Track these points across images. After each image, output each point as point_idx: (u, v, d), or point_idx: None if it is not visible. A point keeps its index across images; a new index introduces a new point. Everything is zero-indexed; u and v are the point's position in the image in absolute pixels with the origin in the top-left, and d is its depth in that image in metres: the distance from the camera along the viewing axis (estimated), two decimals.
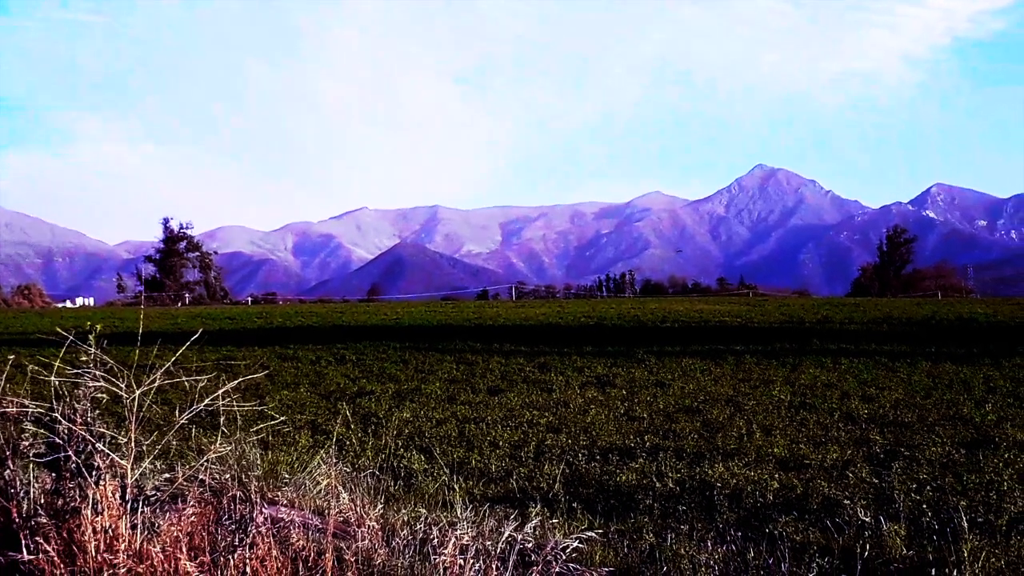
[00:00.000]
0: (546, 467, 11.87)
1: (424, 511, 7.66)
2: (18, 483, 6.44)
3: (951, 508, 9.13)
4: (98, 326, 6.69)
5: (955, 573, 6.96)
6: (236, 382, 7.01)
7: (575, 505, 10.00)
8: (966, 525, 8.05)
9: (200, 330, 6.96)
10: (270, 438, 12.01)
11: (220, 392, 6.66)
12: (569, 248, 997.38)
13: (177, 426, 6.69)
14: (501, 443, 13.65)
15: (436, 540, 5.83)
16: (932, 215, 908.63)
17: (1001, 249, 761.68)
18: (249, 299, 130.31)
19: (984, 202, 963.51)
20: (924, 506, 9.57)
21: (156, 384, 6.62)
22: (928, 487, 10.44)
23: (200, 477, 6.63)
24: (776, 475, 11.17)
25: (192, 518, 5.85)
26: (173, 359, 6.81)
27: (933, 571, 7.17)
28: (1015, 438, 13.16)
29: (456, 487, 9.57)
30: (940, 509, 9.43)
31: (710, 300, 67.32)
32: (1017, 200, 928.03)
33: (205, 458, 6.72)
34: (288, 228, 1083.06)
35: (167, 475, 6.97)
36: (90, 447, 6.24)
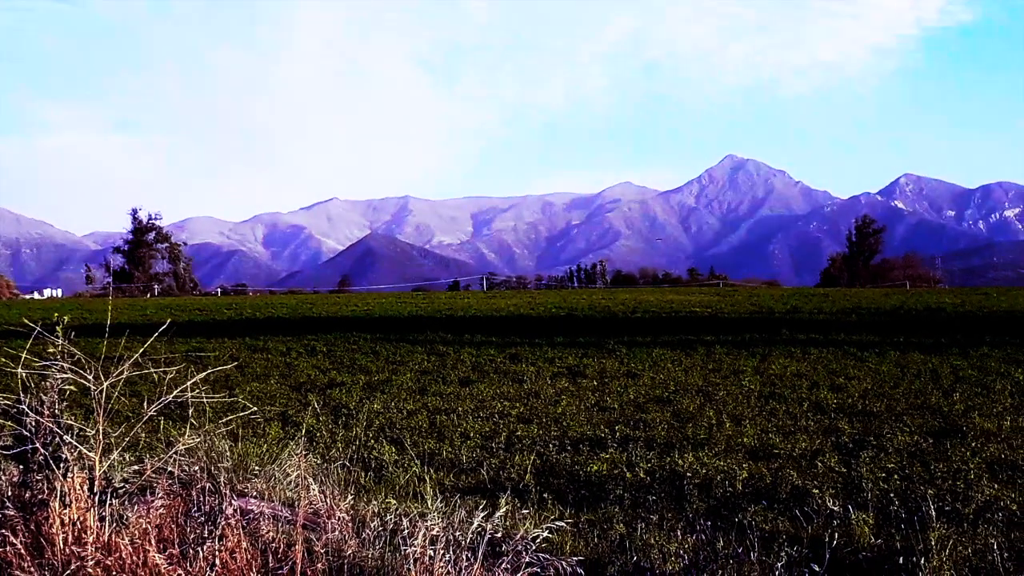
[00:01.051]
0: (517, 458, 11.89)
1: (394, 502, 7.66)
2: None
3: (919, 497, 9.21)
4: (66, 317, 6.64)
5: (922, 561, 7.02)
6: (205, 373, 6.98)
7: (546, 495, 10.02)
8: (933, 514, 8.13)
9: (168, 321, 6.92)
10: (240, 430, 11.95)
11: (189, 384, 6.63)
12: (540, 239, 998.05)
13: (146, 418, 6.66)
14: (472, 434, 13.66)
15: (406, 531, 5.82)
16: (901, 205, 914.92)
17: (969, 239, 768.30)
18: (219, 290, 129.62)
19: (952, 192, 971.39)
20: (892, 495, 9.65)
21: (124, 376, 6.58)
22: (896, 476, 10.53)
23: (169, 469, 6.60)
24: (745, 465, 11.23)
25: (161, 510, 5.82)
26: (141, 350, 6.77)
27: (901, 559, 7.22)
28: (982, 427, 13.27)
29: (427, 478, 9.56)
30: (908, 498, 9.51)
31: (680, 290, 67.47)
32: (985, 190, 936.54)
33: (174, 450, 6.70)
34: (258, 219, 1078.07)
35: (136, 467, 6.93)
36: (58, 439, 6.20)
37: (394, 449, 12.45)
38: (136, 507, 6.09)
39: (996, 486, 9.96)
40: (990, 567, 7.29)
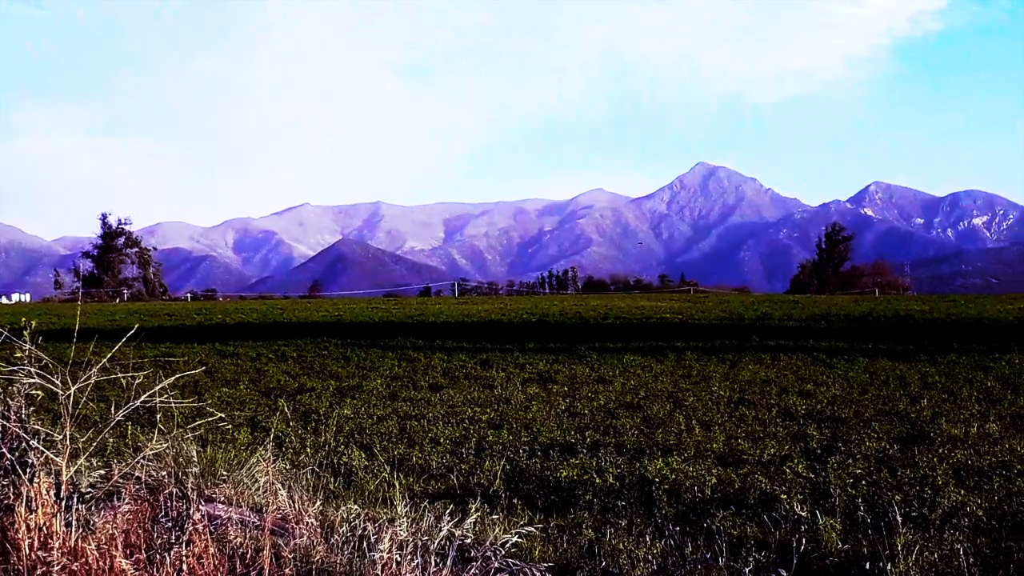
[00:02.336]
0: (487, 463, 11.90)
1: (361, 508, 7.65)
2: None
3: (886, 502, 9.28)
4: (33, 322, 6.60)
5: (889, 567, 7.07)
6: (173, 378, 6.96)
7: (515, 501, 10.03)
8: (900, 519, 8.19)
9: (136, 326, 6.90)
10: (209, 435, 11.91)
11: (157, 388, 6.60)
12: (512, 245, 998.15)
13: (113, 423, 6.62)
14: (442, 440, 13.66)
15: (374, 537, 5.82)
16: (870, 213, 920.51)
17: (937, 247, 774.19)
18: (189, 296, 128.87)
19: (921, 200, 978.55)
20: (859, 500, 9.71)
21: (92, 381, 6.55)
22: (864, 482, 10.60)
23: (136, 474, 6.57)
24: (714, 470, 11.28)
25: (128, 515, 5.79)
26: (109, 355, 6.73)
27: (868, 564, 7.28)
28: (949, 433, 13.38)
29: (396, 484, 9.54)
30: (875, 503, 9.59)
31: (652, 297, 67.69)
32: (953, 198, 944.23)
33: (141, 455, 6.67)
34: (228, 224, 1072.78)
35: (103, 472, 6.89)
36: (24, 444, 6.17)
37: (363, 455, 12.43)
38: (103, 512, 6.06)
39: (963, 492, 10.04)
40: (956, 572, 7.35)
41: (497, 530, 6.78)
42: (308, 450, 12.58)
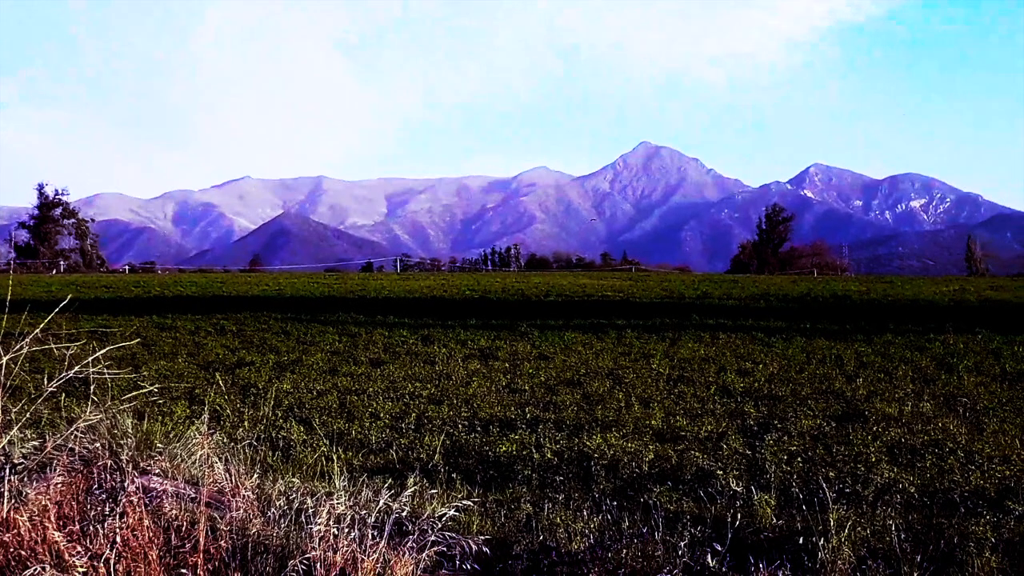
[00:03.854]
0: (427, 438, 11.91)
1: (301, 481, 7.62)
2: None
3: (820, 479, 9.40)
4: None
5: (821, 542, 7.16)
6: (106, 349, 6.87)
7: (454, 476, 10.05)
8: (833, 495, 8.31)
9: (69, 296, 6.79)
10: (146, 408, 11.79)
11: (90, 359, 6.51)
12: (455, 221, 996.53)
13: (46, 394, 6.53)
14: (382, 414, 13.64)
15: (312, 510, 5.80)
16: (810, 194, 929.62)
17: (875, 229, 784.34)
18: (126, 268, 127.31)
19: (860, 182, 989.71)
20: (794, 477, 9.84)
21: (24, 351, 6.45)
22: (798, 458, 10.74)
23: (70, 446, 6.49)
24: (652, 446, 11.37)
25: (61, 487, 5.72)
26: (42, 325, 6.63)
27: (801, 539, 7.37)
28: (884, 412, 13.58)
29: (335, 458, 9.51)
30: (809, 480, 9.72)
31: (593, 275, 67.88)
32: (892, 181, 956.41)
33: (74, 427, 6.58)
34: (168, 196, 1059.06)
35: (35, 444, 6.80)
36: None
37: (302, 429, 12.38)
38: (36, 484, 5.98)
39: (895, 469, 10.21)
40: (887, 547, 7.47)
41: (435, 504, 6.79)
42: (246, 424, 12.51)
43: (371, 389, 15.85)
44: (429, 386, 16.16)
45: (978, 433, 12.18)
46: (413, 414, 13.63)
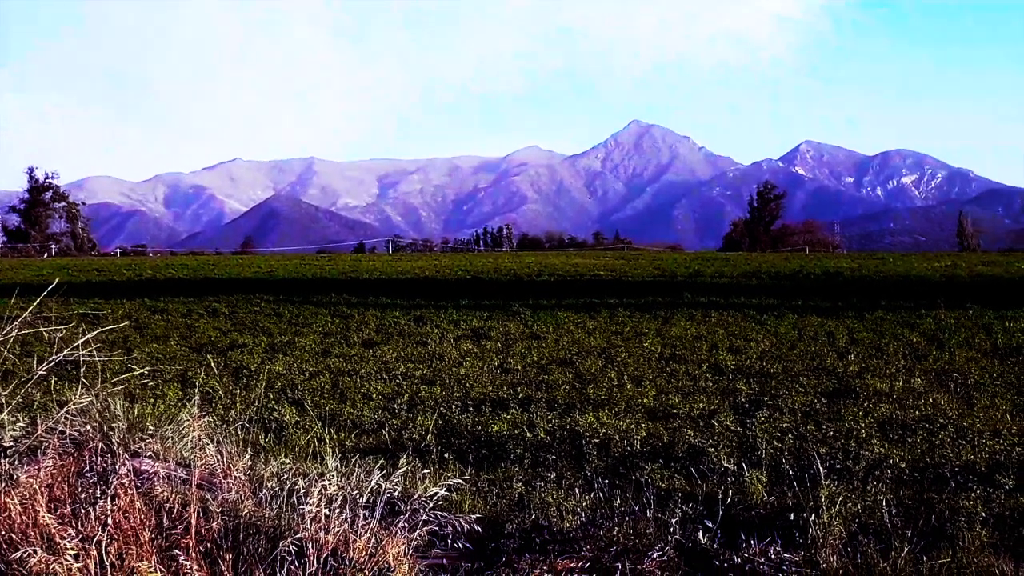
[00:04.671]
0: (419, 419, 11.93)
1: (293, 463, 7.63)
2: None
3: (811, 455, 9.43)
4: None
5: (812, 517, 7.19)
6: (97, 332, 6.85)
7: (447, 455, 10.08)
8: (824, 471, 8.34)
9: (57, 280, 6.77)
10: (138, 391, 11.78)
11: (80, 342, 6.50)
12: (447, 202, 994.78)
13: (36, 376, 6.52)
14: (375, 395, 13.66)
15: (304, 491, 5.81)
16: (801, 172, 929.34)
17: (866, 205, 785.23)
18: (118, 251, 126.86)
19: (851, 159, 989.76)
20: (785, 453, 9.88)
21: (14, 334, 6.43)
22: (790, 435, 10.78)
23: (61, 429, 6.48)
24: (644, 424, 11.41)
25: (52, 470, 5.72)
26: (31, 308, 6.61)
27: (792, 516, 7.40)
28: (875, 388, 13.62)
29: (327, 439, 9.53)
30: (800, 456, 9.76)
31: (586, 254, 67.82)
32: (883, 157, 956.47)
33: (65, 410, 6.58)
34: (159, 179, 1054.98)
35: (26, 426, 6.79)
36: None
37: (295, 410, 12.40)
38: (26, 467, 5.98)
39: (886, 445, 10.25)
40: (878, 523, 7.50)
41: (427, 483, 6.81)
42: (239, 406, 12.49)
43: (363, 370, 15.86)
44: (422, 367, 16.18)
45: (969, 408, 12.22)
46: (406, 395, 13.65)
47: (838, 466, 9.39)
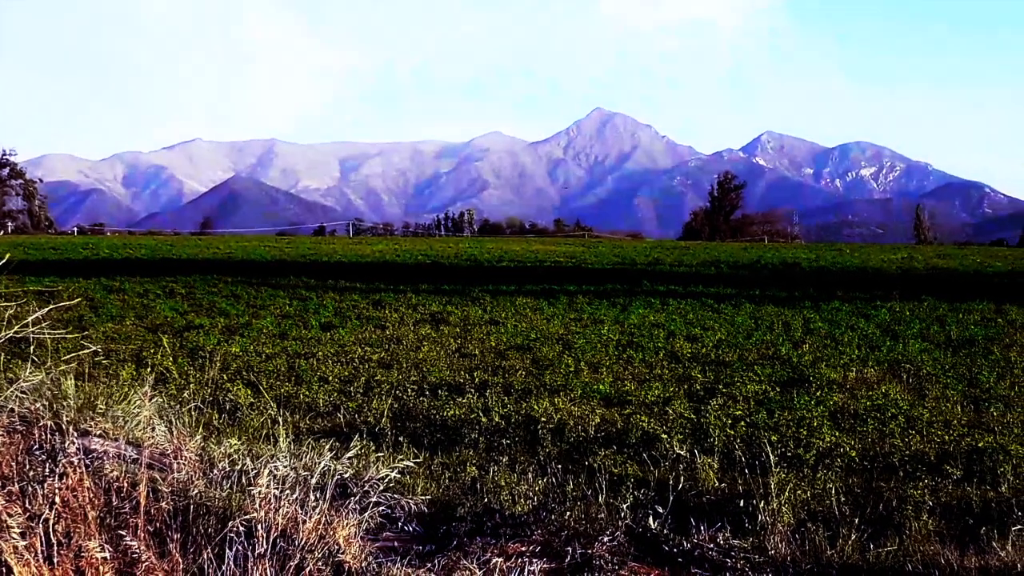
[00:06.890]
0: (375, 402, 11.91)
1: (246, 444, 7.59)
2: None
3: (762, 443, 9.51)
4: None
5: (762, 504, 7.25)
6: (48, 309, 6.79)
7: (401, 439, 10.08)
8: (775, 459, 8.41)
9: (7, 256, 6.70)
10: (91, 370, 11.67)
11: (31, 319, 6.44)
12: (408, 186, 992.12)
13: None
14: (331, 378, 13.63)
15: (255, 472, 5.78)
16: (762, 162, 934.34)
17: (825, 197, 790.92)
18: (75, 230, 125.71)
19: (811, 150, 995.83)
20: (738, 441, 9.96)
21: None
22: (742, 423, 10.87)
23: (10, 406, 6.42)
24: (599, 411, 11.46)
25: (0, 447, 5.67)
26: None
27: (741, 502, 7.46)
28: (828, 377, 13.77)
29: (281, 421, 9.49)
30: (752, 444, 9.84)
31: (546, 241, 67.99)
32: (842, 149, 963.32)
33: (14, 387, 6.51)
34: (118, 157, 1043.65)
35: None
36: None
37: (250, 392, 12.34)
38: None
39: (837, 434, 10.37)
40: (827, 510, 7.58)
41: (379, 466, 6.80)
42: (193, 386, 12.43)
43: (320, 353, 15.82)
44: (379, 350, 16.16)
45: (920, 399, 12.39)
46: (362, 378, 13.63)
47: (789, 454, 9.49)
